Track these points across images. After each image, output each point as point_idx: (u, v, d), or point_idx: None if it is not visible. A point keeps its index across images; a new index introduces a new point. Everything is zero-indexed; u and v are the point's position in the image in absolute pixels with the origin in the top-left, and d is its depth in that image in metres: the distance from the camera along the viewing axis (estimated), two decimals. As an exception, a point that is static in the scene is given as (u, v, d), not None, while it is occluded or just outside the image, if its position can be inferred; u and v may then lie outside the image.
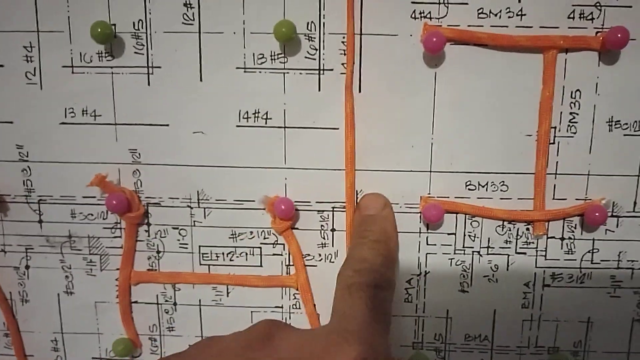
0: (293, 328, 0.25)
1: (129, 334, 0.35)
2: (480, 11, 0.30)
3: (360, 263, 0.29)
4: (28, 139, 0.33)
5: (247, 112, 0.32)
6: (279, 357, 0.23)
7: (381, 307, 0.28)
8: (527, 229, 0.33)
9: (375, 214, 0.32)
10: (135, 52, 0.32)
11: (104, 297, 0.35)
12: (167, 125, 0.32)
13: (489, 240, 0.33)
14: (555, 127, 0.32)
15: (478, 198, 0.33)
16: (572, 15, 0.30)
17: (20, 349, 0.36)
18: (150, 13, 0.31)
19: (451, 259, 0.33)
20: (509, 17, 0.30)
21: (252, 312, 0.35)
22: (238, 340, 0.24)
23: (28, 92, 0.32)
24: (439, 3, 0.30)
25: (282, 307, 0.35)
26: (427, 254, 0.33)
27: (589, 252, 0.33)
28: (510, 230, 0.33)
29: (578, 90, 0.31)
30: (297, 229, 0.33)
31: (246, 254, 0.34)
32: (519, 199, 0.33)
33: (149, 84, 0.32)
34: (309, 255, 0.34)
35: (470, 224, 0.33)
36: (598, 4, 0.30)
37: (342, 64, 0.31)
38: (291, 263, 0.34)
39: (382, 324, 0.27)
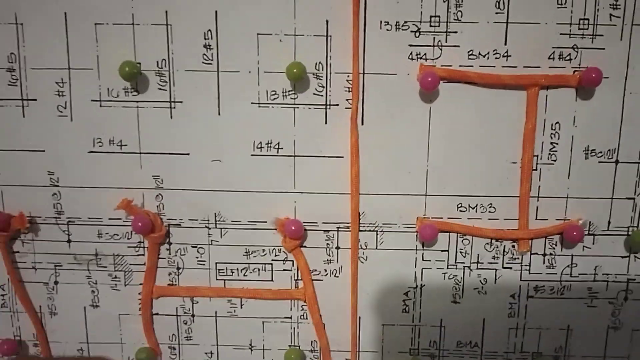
0: None
1: (150, 343, 0.38)
2: (470, 53, 0.33)
3: None
4: (59, 166, 0.35)
5: (260, 143, 0.35)
6: None
7: None
8: (513, 246, 0.36)
9: None
10: (159, 88, 0.34)
11: (127, 309, 0.38)
12: (188, 154, 0.35)
13: (478, 257, 0.36)
14: (537, 155, 0.34)
15: (468, 218, 0.35)
16: (552, 56, 0.33)
17: (49, 358, 0.39)
18: (172, 53, 0.34)
19: (444, 273, 0.36)
20: (496, 57, 0.33)
21: (263, 322, 0.38)
22: None
23: (59, 124, 0.35)
24: (434, 46, 0.33)
25: (290, 317, 0.37)
26: (422, 269, 0.36)
27: (568, 266, 0.36)
28: (497, 247, 0.36)
29: (558, 122, 0.34)
30: (305, 247, 0.36)
31: (258, 269, 0.37)
32: (505, 219, 0.35)
33: (171, 117, 0.35)
34: (315, 270, 0.37)
35: (462, 241, 0.36)
36: (575, 47, 0.33)
37: (347, 99, 0.34)
38: (299, 278, 0.37)
39: None
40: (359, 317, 0.37)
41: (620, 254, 0.36)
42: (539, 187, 0.35)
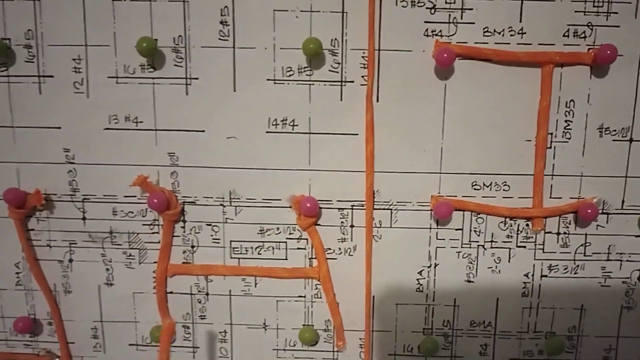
0: None
1: (165, 322, 0.38)
2: (485, 30, 0.33)
3: None
4: (74, 143, 0.36)
5: (275, 120, 0.35)
6: None
7: None
8: (527, 225, 0.36)
9: None
10: (175, 65, 0.34)
11: (142, 288, 0.38)
12: (203, 131, 0.35)
13: (492, 235, 0.36)
14: (551, 133, 0.35)
15: (483, 197, 0.36)
16: (566, 34, 0.33)
17: (63, 336, 0.39)
18: (189, 29, 0.34)
19: (458, 252, 0.37)
20: (511, 35, 0.33)
21: (277, 301, 0.38)
22: None
23: (75, 101, 0.35)
24: (449, 22, 0.33)
25: (304, 296, 0.38)
26: (436, 247, 0.37)
27: (582, 245, 0.36)
28: (511, 226, 0.36)
29: (572, 100, 0.34)
30: (319, 225, 0.36)
31: (273, 248, 0.37)
32: (519, 197, 0.36)
33: (187, 94, 0.35)
34: (330, 249, 0.37)
35: (476, 220, 0.36)
36: (590, 24, 0.33)
37: (362, 76, 0.34)
38: (314, 256, 0.37)
39: None
40: (373, 296, 0.37)
41: (634, 233, 0.36)
42: (553, 165, 0.35)
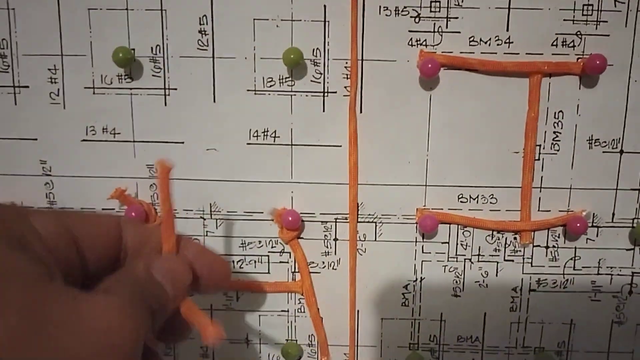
0: None
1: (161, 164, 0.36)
2: (471, 39, 0.33)
3: None
4: (51, 155, 0.35)
5: (257, 131, 0.34)
6: None
7: None
8: (515, 238, 0.35)
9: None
10: (153, 75, 0.34)
11: (121, 302, 0.37)
12: (183, 142, 0.34)
13: (479, 249, 0.35)
14: (540, 145, 0.34)
15: (469, 210, 0.35)
16: (555, 43, 0.33)
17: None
18: (167, 39, 0.33)
19: (445, 265, 0.36)
20: (498, 44, 0.33)
21: (259, 315, 0.37)
22: None
23: (52, 111, 0.34)
24: (434, 32, 0.33)
25: (287, 311, 0.37)
26: (422, 261, 0.36)
27: (571, 259, 0.36)
28: (499, 239, 0.35)
29: (561, 111, 0.34)
30: (302, 238, 0.36)
31: (255, 261, 0.36)
32: (507, 210, 0.35)
33: (165, 105, 0.34)
34: (313, 262, 0.36)
35: (462, 233, 0.35)
36: (579, 33, 0.33)
37: (345, 87, 0.33)
38: (297, 270, 0.36)
39: None
40: (358, 311, 0.36)
41: (624, 247, 0.35)
42: (542, 177, 0.34)
